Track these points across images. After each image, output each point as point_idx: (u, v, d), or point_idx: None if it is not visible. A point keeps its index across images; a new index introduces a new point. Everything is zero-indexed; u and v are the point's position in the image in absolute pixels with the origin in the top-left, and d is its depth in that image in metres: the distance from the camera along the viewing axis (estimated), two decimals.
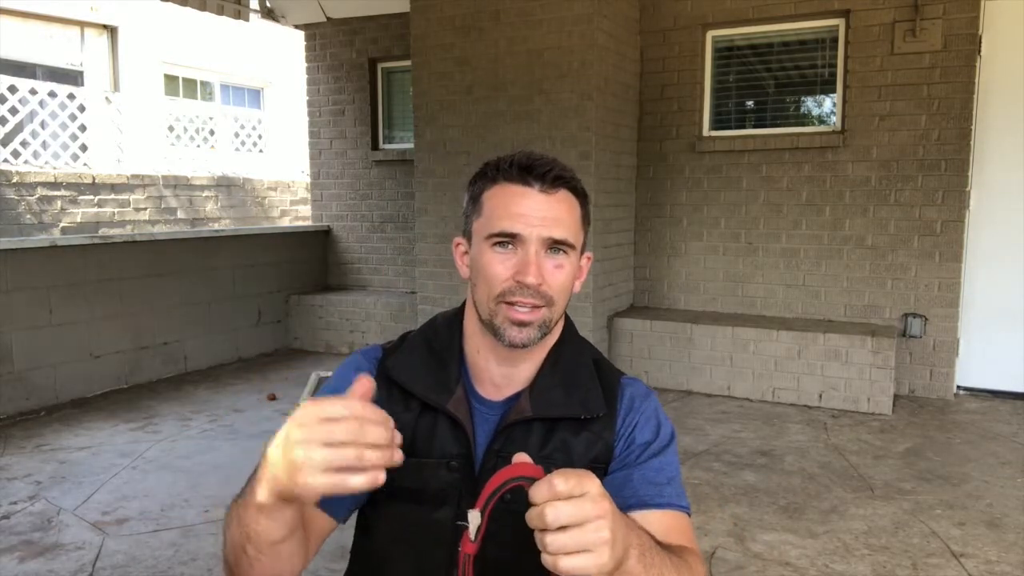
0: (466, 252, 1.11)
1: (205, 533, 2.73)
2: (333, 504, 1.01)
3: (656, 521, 1.04)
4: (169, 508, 2.94)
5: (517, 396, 1.09)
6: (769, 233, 4.84)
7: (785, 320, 4.69)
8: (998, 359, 4.45)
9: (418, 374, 1.10)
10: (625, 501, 1.05)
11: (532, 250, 1.01)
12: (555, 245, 1.03)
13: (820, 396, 4.32)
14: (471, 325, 1.11)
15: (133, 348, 4.81)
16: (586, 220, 1.09)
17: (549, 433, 1.07)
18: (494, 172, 1.06)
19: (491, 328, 1.04)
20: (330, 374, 1.23)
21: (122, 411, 4.25)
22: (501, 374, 1.10)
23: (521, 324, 1.02)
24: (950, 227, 4.39)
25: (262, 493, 0.82)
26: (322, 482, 0.72)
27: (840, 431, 3.87)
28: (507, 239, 1.02)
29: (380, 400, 0.96)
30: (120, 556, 2.56)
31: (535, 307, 1.02)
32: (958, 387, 4.52)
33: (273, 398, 4.50)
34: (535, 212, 1.02)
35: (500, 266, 1.02)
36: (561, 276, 1.04)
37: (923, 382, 4.51)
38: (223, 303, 5.47)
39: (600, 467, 1.08)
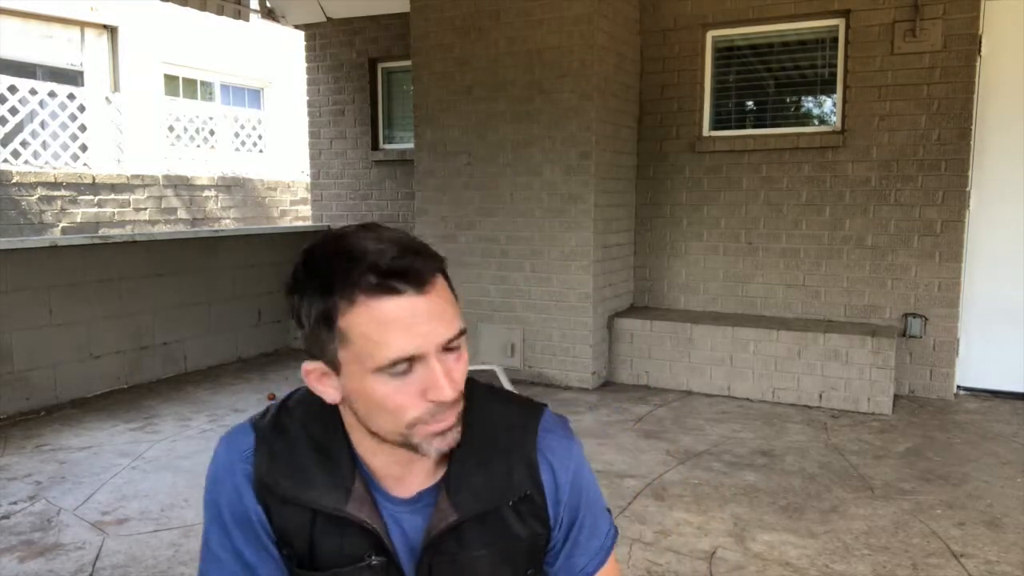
0: (326, 376, 0.92)
1: None
2: None
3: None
4: (169, 508, 2.94)
5: (430, 491, 0.98)
6: (769, 233, 4.84)
7: (785, 320, 4.69)
8: (998, 359, 4.45)
9: (306, 476, 0.95)
10: (573, 573, 1.07)
11: (435, 364, 0.86)
12: (451, 342, 0.88)
13: (820, 396, 4.32)
14: (358, 434, 0.95)
15: (133, 348, 4.81)
16: (452, 288, 0.93)
17: (482, 525, 0.98)
18: (342, 287, 0.85)
19: (407, 446, 0.91)
20: None
21: (122, 411, 4.25)
22: (404, 468, 0.97)
23: (445, 432, 0.90)
24: (950, 227, 4.39)
25: None
26: None
27: (840, 431, 3.87)
28: (404, 363, 0.86)
29: (259, 516, 0.97)
30: (120, 556, 2.56)
31: (452, 409, 0.90)
32: (958, 387, 4.52)
33: (273, 398, 4.50)
34: (422, 322, 0.85)
35: (404, 397, 0.87)
36: (463, 365, 0.91)
37: (923, 382, 4.51)
38: (223, 303, 5.47)
39: (542, 536, 1.03)
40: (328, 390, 0.92)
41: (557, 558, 1.05)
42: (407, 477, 0.97)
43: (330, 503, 0.95)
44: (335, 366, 0.90)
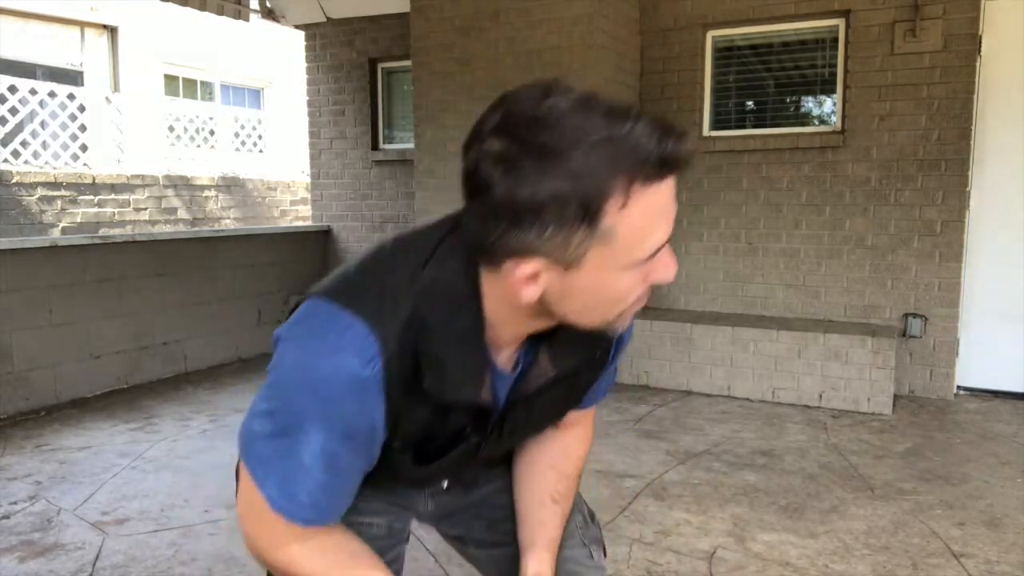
0: (541, 274, 0.78)
1: (205, 533, 2.73)
2: (334, 514, 0.95)
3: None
4: (169, 508, 2.94)
5: (524, 355, 0.96)
6: (769, 233, 4.84)
7: (785, 320, 4.69)
8: (998, 359, 4.45)
9: (451, 381, 0.88)
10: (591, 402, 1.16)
11: (667, 246, 0.80)
12: None
13: (820, 396, 4.32)
14: (499, 320, 0.87)
15: (133, 348, 4.81)
16: None
17: (563, 376, 0.99)
18: (613, 177, 0.71)
19: (584, 326, 0.87)
20: None
21: (122, 411, 4.25)
22: (517, 337, 0.93)
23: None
24: (950, 227, 4.39)
25: None
26: None
27: (840, 431, 3.87)
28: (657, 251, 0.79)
29: (378, 421, 0.88)
30: (120, 556, 2.56)
31: None
32: (958, 387, 4.52)
33: None
34: (673, 204, 0.80)
35: (638, 285, 0.82)
36: None
37: (923, 382, 4.51)
38: (223, 303, 5.47)
39: (597, 375, 1.08)
40: (532, 289, 0.79)
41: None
42: (511, 346, 0.94)
43: (469, 397, 0.89)
44: (571, 263, 0.76)
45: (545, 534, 1.15)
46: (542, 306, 0.82)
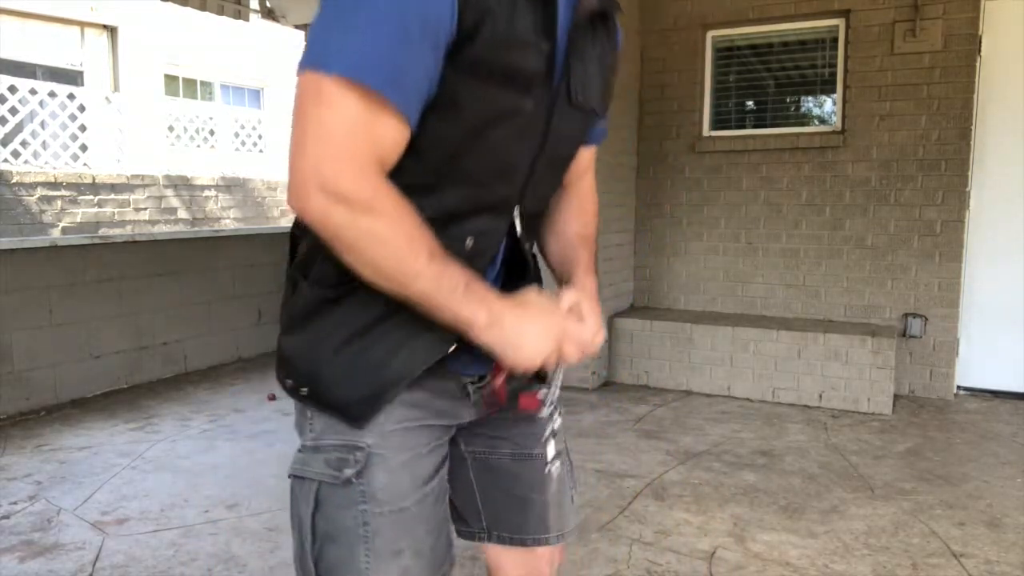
0: None
1: (205, 533, 2.73)
2: (409, 102, 0.86)
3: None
4: (169, 508, 2.94)
5: None
6: (769, 233, 4.84)
7: (785, 320, 4.69)
8: (998, 359, 4.45)
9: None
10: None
11: None
12: None
13: (820, 396, 4.32)
14: None
15: (133, 348, 4.81)
16: None
17: (607, 27, 1.07)
18: None
19: None
20: None
21: (122, 411, 4.25)
22: None
23: None
24: (950, 227, 4.39)
25: (469, 321, 0.92)
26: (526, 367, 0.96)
27: (840, 431, 3.87)
28: None
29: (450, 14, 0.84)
30: (120, 556, 2.56)
31: None
32: (958, 387, 4.52)
33: (273, 398, 4.50)
34: None
35: None
36: None
37: (923, 382, 4.51)
38: (223, 303, 5.47)
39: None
40: None
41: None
42: None
43: None
44: None
45: (580, 266, 1.21)
46: None
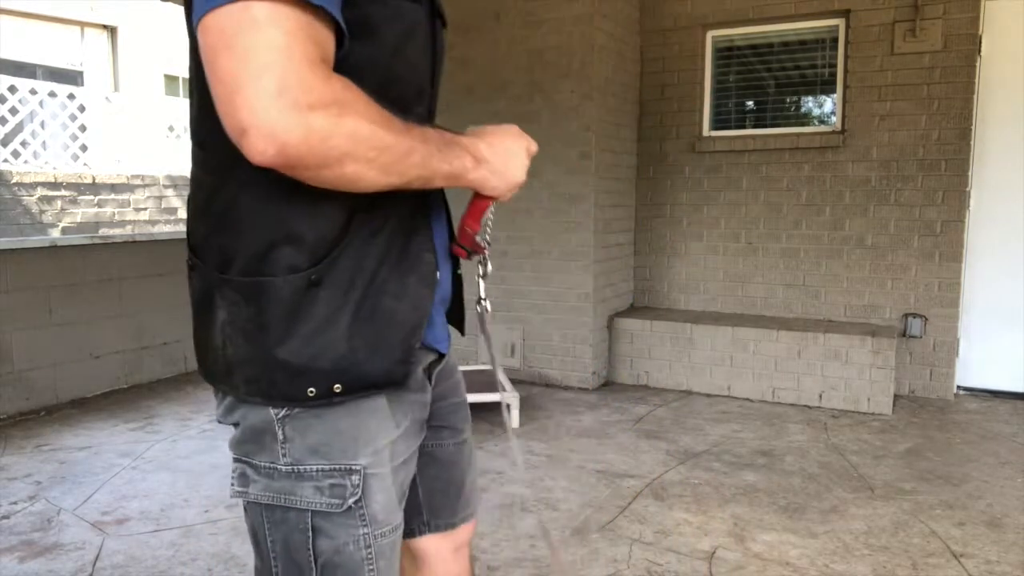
0: None
1: (205, 533, 2.73)
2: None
3: None
4: (169, 508, 2.94)
5: None
6: (769, 233, 4.85)
7: (785, 320, 4.69)
8: (998, 359, 4.45)
9: None
10: None
11: None
12: None
13: (820, 396, 4.32)
14: None
15: (133, 348, 4.81)
16: None
17: None
18: None
19: None
20: None
21: (122, 411, 4.25)
22: None
23: None
24: (950, 227, 4.39)
25: (461, 170, 0.98)
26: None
27: (840, 431, 3.87)
28: None
29: None
30: (120, 556, 2.56)
31: None
32: (958, 387, 4.52)
33: None
34: None
35: None
36: None
37: (923, 382, 4.51)
38: None
39: None
40: None
41: None
42: None
43: None
44: None
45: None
46: None
